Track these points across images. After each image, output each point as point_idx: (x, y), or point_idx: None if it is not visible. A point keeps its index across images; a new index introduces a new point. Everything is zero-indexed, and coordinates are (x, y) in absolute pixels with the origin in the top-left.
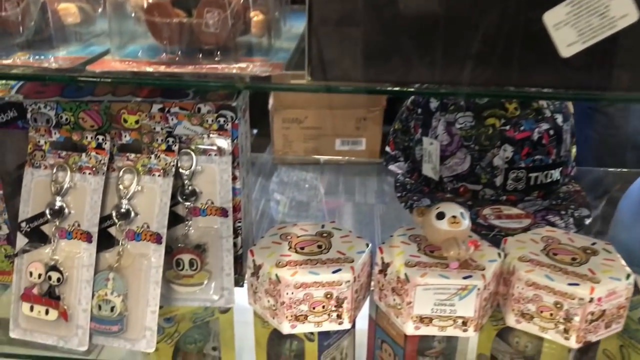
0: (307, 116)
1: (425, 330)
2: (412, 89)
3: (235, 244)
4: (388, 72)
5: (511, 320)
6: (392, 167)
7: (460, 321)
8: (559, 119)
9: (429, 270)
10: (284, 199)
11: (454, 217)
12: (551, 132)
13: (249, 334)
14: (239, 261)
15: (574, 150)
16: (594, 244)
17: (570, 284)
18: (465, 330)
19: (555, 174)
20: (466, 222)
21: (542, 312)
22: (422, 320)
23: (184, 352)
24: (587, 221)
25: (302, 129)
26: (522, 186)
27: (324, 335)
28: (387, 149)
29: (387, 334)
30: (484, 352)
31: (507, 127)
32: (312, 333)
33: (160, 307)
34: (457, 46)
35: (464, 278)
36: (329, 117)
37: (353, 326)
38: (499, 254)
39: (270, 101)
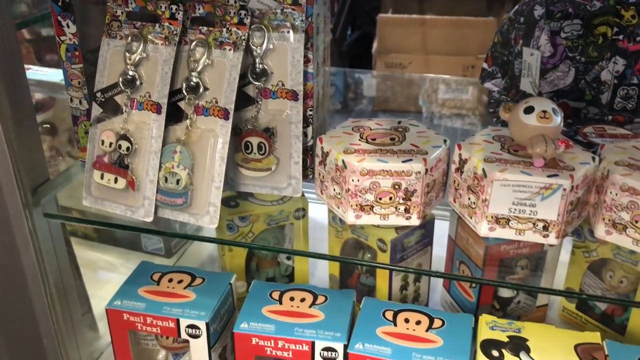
0: (411, 61)
1: (500, 233)
2: None
3: (305, 134)
4: None
5: (600, 231)
6: (488, 84)
7: (540, 225)
8: None
9: (510, 166)
10: None
11: (544, 111)
12: None
13: (324, 247)
14: (308, 152)
15: None
16: None
17: None
18: (545, 236)
19: None
20: (558, 119)
21: (637, 221)
22: (498, 220)
23: (258, 257)
24: None
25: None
26: (632, 105)
27: (398, 247)
28: (484, 65)
29: (466, 254)
30: (572, 286)
31: (621, 37)
32: (384, 243)
33: (234, 201)
34: None
35: (549, 177)
36: (435, 64)
37: (430, 244)
38: (593, 158)
39: (375, 44)
